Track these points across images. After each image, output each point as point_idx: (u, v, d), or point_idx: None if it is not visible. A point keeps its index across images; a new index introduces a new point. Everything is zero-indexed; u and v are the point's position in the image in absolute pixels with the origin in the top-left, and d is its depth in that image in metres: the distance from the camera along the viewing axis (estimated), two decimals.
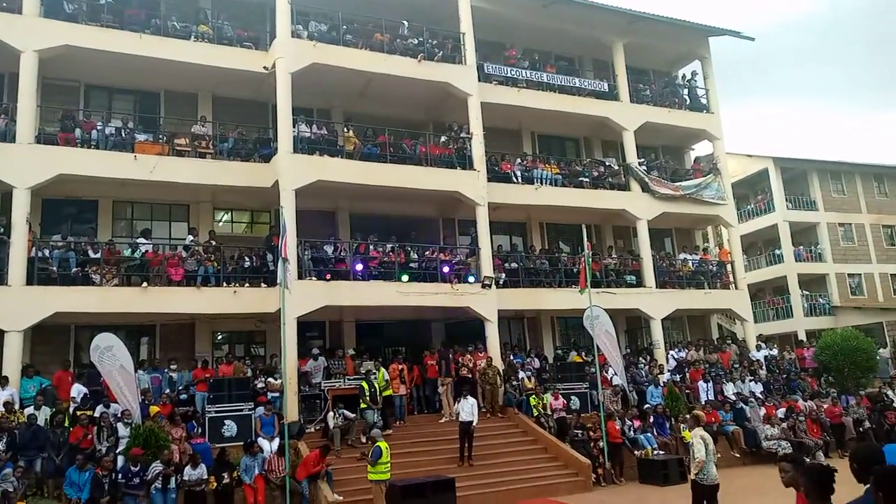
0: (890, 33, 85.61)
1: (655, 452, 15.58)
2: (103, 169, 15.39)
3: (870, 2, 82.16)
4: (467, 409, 14.45)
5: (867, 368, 21.28)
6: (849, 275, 32.31)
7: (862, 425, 18.14)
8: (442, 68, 18.62)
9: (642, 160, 22.47)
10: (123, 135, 16.20)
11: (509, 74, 20.62)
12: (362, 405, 14.82)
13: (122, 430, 12.49)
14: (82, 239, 15.66)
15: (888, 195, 34.78)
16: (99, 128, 16.01)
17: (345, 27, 18.10)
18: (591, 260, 17.17)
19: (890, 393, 20.20)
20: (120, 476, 11.49)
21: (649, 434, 16.14)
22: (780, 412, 17.84)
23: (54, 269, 14.56)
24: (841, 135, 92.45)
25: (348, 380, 16.03)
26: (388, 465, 11.44)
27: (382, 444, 11.52)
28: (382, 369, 15.70)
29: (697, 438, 9.20)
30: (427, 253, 18.08)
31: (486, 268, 17.96)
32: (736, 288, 22.94)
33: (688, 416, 11.65)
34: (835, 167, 33.88)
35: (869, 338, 22.28)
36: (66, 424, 12.46)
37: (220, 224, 18.54)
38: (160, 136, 16.81)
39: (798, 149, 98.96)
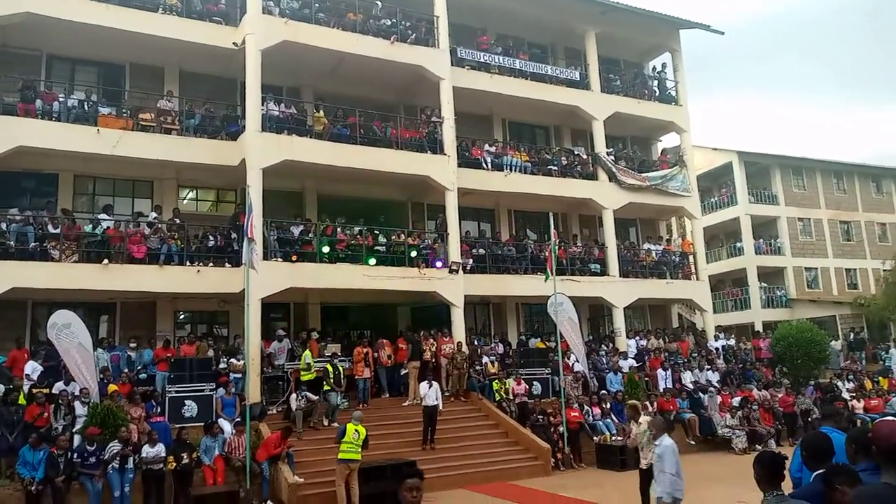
0: (858, 35, 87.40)
1: (614, 438, 15.88)
2: (64, 142, 15.04)
3: (836, 4, 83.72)
4: (432, 394, 14.54)
5: (820, 360, 21.92)
6: (806, 268, 33.19)
7: (810, 415, 18.69)
8: (415, 51, 18.50)
9: (610, 150, 22.70)
10: (86, 107, 15.83)
11: (482, 60, 20.60)
12: (326, 387, 14.82)
13: (80, 409, 12.30)
14: (41, 213, 15.28)
15: (846, 192, 35.72)
16: (61, 99, 15.64)
17: (317, 5, 17.84)
18: (556, 248, 17.35)
19: (840, 384, 20.84)
20: (76, 455, 11.33)
21: (608, 420, 16.45)
22: (736, 401, 18.30)
23: (11, 243, 14.19)
24: (804, 130, 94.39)
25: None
26: (353, 445, 11.36)
27: (350, 426, 11.52)
28: (308, 351, 15.50)
29: (646, 427, 9.43)
30: (395, 236, 18.05)
31: (454, 253, 18.01)
32: (697, 279, 23.39)
33: (627, 405, 11.90)
34: (796, 163, 34.66)
35: (822, 330, 22.95)
36: (22, 402, 12.21)
37: (185, 202, 18.25)
38: (124, 110, 16.46)
39: (762, 143, 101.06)
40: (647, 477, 9.34)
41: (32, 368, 13.28)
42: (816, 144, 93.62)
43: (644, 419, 9.64)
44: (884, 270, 30.12)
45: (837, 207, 34.87)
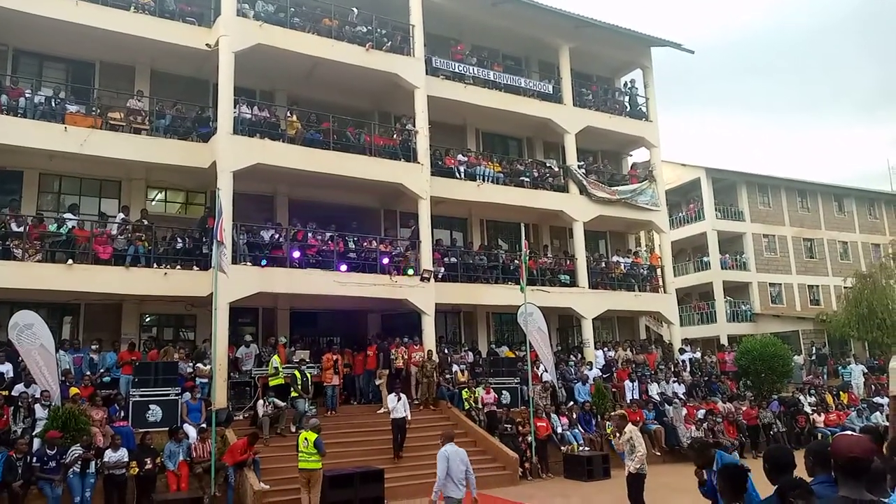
0: (826, 58, 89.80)
1: (581, 448, 15.96)
2: (30, 139, 14.72)
3: (801, 27, 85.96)
4: (400, 406, 14.43)
5: (783, 374, 22.30)
6: (770, 284, 33.79)
7: (771, 429, 19.00)
8: (390, 59, 18.52)
9: (582, 163, 22.93)
10: (54, 104, 15.52)
11: (457, 70, 20.69)
12: (293, 394, 14.66)
13: (40, 412, 11.97)
14: (4, 211, 14.91)
15: (809, 210, 36.54)
16: (27, 95, 15.30)
17: (293, 9, 17.77)
18: (527, 258, 17.45)
19: (802, 398, 21.24)
20: (35, 459, 11.02)
21: (576, 430, 16.53)
22: (700, 413, 18.52)
23: None
24: (768, 150, 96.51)
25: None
26: (304, 453, 11.00)
27: (301, 434, 11.30)
28: (276, 356, 15.39)
29: (636, 434, 9.67)
30: (366, 243, 17.98)
31: (426, 261, 17.99)
32: (665, 292, 23.69)
33: (614, 414, 12.11)
34: (762, 181, 35.37)
35: (786, 345, 23.37)
36: None
37: (153, 203, 17.96)
38: (93, 109, 16.18)
39: (730, 160, 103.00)
40: (633, 482, 9.55)
41: None
42: (782, 162, 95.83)
43: (629, 428, 9.85)
44: (844, 287, 30.81)
45: (801, 225, 35.66)
